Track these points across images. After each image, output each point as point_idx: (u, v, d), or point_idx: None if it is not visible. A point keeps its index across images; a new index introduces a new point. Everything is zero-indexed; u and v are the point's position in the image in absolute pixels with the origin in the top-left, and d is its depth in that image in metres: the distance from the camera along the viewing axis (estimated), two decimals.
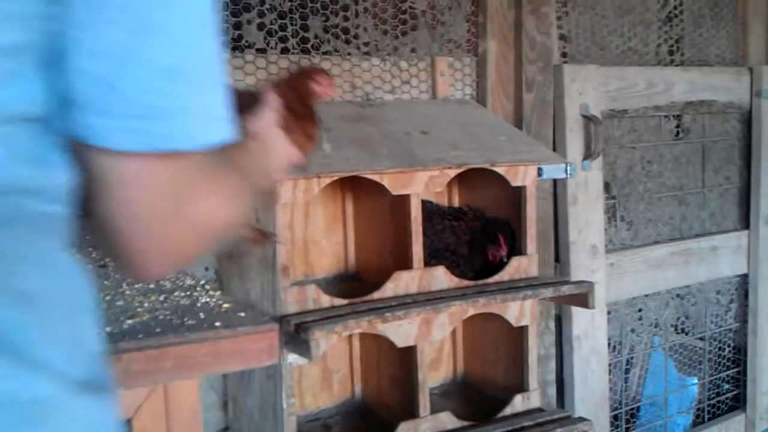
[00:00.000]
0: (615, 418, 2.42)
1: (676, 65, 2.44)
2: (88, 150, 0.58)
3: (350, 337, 1.83)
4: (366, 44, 1.87)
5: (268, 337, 0.84)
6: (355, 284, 1.77)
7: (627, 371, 2.53)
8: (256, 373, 1.58)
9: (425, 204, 1.81)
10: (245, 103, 0.97)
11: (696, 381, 2.69)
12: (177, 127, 0.58)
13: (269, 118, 0.96)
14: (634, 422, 2.57)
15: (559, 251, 2.13)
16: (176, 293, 0.97)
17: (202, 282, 1.05)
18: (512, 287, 1.67)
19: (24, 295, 0.57)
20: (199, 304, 0.92)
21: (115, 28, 0.55)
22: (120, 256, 0.64)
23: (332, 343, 1.75)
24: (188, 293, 0.98)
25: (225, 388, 1.72)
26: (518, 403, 1.75)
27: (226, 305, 0.93)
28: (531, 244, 1.75)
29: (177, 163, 0.59)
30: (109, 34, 0.55)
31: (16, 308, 0.56)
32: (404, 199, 1.60)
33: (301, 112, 1.05)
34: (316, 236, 1.80)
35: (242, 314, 0.89)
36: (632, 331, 2.45)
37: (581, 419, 1.73)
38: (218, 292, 0.99)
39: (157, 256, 0.64)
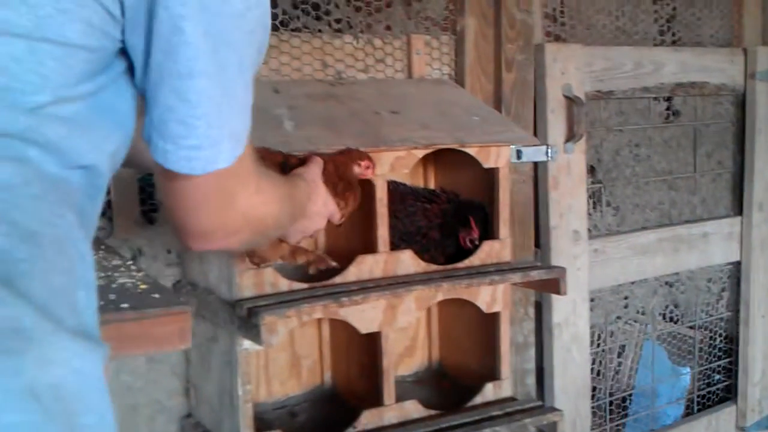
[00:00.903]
0: (600, 408, 2.36)
1: (668, 45, 2.37)
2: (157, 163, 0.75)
3: (320, 323, 1.79)
4: (338, 21, 1.81)
5: (179, 320, 0.79)
6: (324, 269, 1.72)
7: (618, 361, 2.48)
8: (214, 360, 1.54)
9: (398, 186, 1.76)
10: (295, 164, 1.21)
11: (688, 371, 2.64)
12: (222, 154, 0.76)
13: (316, 170, 1.18)
14: (625, 413, 2.52)
15: (539, 236, 2.07)
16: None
17: (129, 263, 1.00)
18: (480, 272, 1.61)
19: (26, 230, 0.63)
20: (114, 285, 0.88)
21: (205, 79, 0.71)
22: (175, 229, 0.84)
23: (295, 328, 1.71)
24: (108, 274, 0.93)
25: (187, 375, 1.68)
26: (489, 392, 1.70)
27: (143, 286, 0.88)
28: (504, 228, 1.69)
29: (219, 174, 0.77)
30: (199, 84, 0.71)
31: (15, 239, 0.62)
32: (369, 180, 1.54)
33: (339, 186, 1.26)
34: None
35: (156, 296, 0.84)
36: (618, 318, 2.39)
37: (552, 409, 1.68)
38: (141, 273, 0.94)
39: (202, 235, 0.84)
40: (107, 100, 0.73)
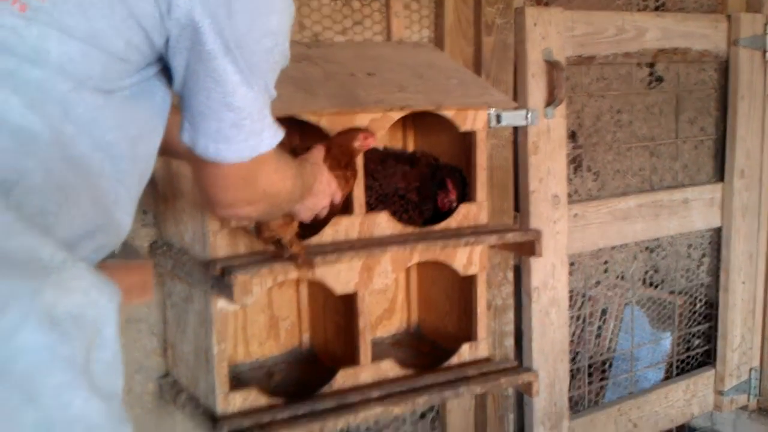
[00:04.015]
0: (579, 371, 2.39)
1: (651, 11, 2.36)
2: (202, 158, 0.93)
3: (298, 284, 1.80)
4: None
5: (140, 273, 0.80)
6: (301, 230, 1.73)
7: (599, 325, 2.50)
8: (190, 320, 1.55)
9: (377, 147, 1.76)
10: (302, 150, 1.37)
11: (668, 336, 2.66)
12: (264, 139, 0.94)
13: (319, 155, 1.35)
14: (605, 376, 2.55)
15: (519, 201, 2.07)
16: None
17: None
18: (456, 234, 1.62)
19: (56, 184, 0.76)
20: None
21: (246, 90, 0.89)
22: (203, 200, 1.03)
23: (273, 290, 1.72)
24: None
25: (165, 334, 1.69)
26: (465, 353, 1.72)
27: None
28: (481, 191, 1.70)
29: (255, 158, 0.94)
30: (243, 93, 0.88)
31: (50, 186, 0.74)
32: None
33: (343, 162, 1.40)
34: None
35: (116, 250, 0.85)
36: (597, 283, 2.41)
37: (527, 369, 1.71)
38: None
39: (229, 207, 1.02)
40: (135, 95, 0.87)
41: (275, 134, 0.96)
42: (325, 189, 1.35)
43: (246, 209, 1.04)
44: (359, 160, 1.53)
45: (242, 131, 0.90)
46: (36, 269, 0.66)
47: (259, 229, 1.38)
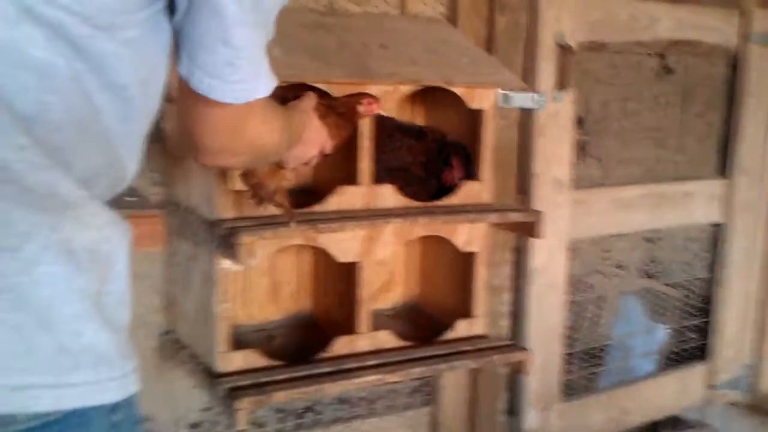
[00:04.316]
0: (573, 356, 2.42)
1: (665, 1, 2.36)
2: (197, 95, 0.87)
3: (301, 251, 1.82)
4: None
5: (151, 222, 0.83)
6: (308, 198, 1.75)
7: (595, 312, 2.53)
8: (194, 278, 1.57)
9: (386, 120, 1.78)
10: (292, 98, 1.30)
11: (663, 327, 2.69)
12: (261, 84, 0.89)
13: (309, 103, 1.30)
14: (599, 362, 2.58)
15: (522, 183, 2.09)
16: None
17: None
18: (458, 210, 1.64)
19: (72, 120, 0.75)
20: None
21: (246, 28, 0.84)
22: (190, 146, 0.95)
23: (277, 255, 1.74)
24: None
25: (168, 292, 1.72)
26: (461, 328, 1.75)
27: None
28: (485, 170, 1.72)
29: (249, 104, 0.89)
30: (241, 33, 0.83)
31: (66, 124, 0.74)
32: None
33: (339, 111, 1.37)
34: None
35: (131, 200, 0.88)
36: (597, 271, 2.43)
37: (521, 348, 1.73)
38: None
39: (215, 154, 0.97)
40: (147, 33, 0.83)
41: (270, 82, 0.92)
42: (315, 138, 1.31)
43: (230, 160, 1.03)
44: (366, 127, 1.54)
45: (237, 71, 0.86)
46: (55, 204, 0.69)
47: (245, 174, 1.37)
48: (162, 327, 1.73)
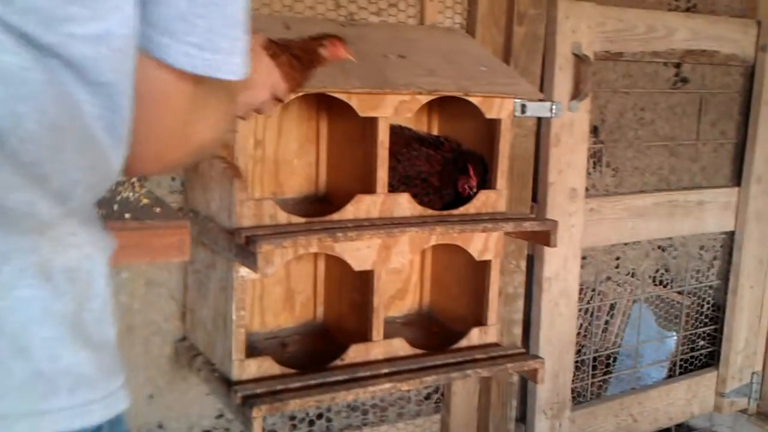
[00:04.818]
0: (584, 363, 2.42)
1: (682, 11, 2.36)
2: (148, 61, 0.71)
3: (316, 259, 1.83)
4: None
5: (178, 233, 0.83)
6: (323, 206, 1.76)
7: (606, 320, 2.53)
8: (211, 286, 1.59)
9: (404, 130, 1.79)
10: None
11: (674, 335, 2.69)
12: (230, 63, 0.73)
13: (256, 39, 1.08)
14: (609, 370, 2.58)
15: (537, 191, 2.10)
16: None
17: (134, 180, 1.04)
18: (474, 219, 1.65)
19: (51, 124, 0.66)
20: (118, 198, 0.91)
21: None
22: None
23: (292, 263, 1.75)
24: (112, 187, 0.97)
25: (184, 299, 1.73)
26: (475, 337, 1.75)
27: (145, 201, 0.92)
28: (501, 179, 1.73)
29: (205, 86, 0.74)
30: None
31: (44, 128, 0.65)
32: (372, 122, 1.57)
33: (293, 52, 1.15)
34: (288, 155, 1.78)
35: (157, 210, 0.88)
36: (608, 279, 2.43)
37: (534, 356, 1.74)
38: (144, 190, 0.98)
39: (151, 161, 0.79)
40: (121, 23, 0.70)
41: (242, 65, 0.75)
42: (264, 80, 1.12)
43: (163, 163, 0.83)
44: (383, 136, 1.55)
45: (193, 31, 0.71)
46: (33, 225, 0.66)
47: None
48: (177, 334, 1.74)
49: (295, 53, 1.17)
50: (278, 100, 1.16)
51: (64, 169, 0.68)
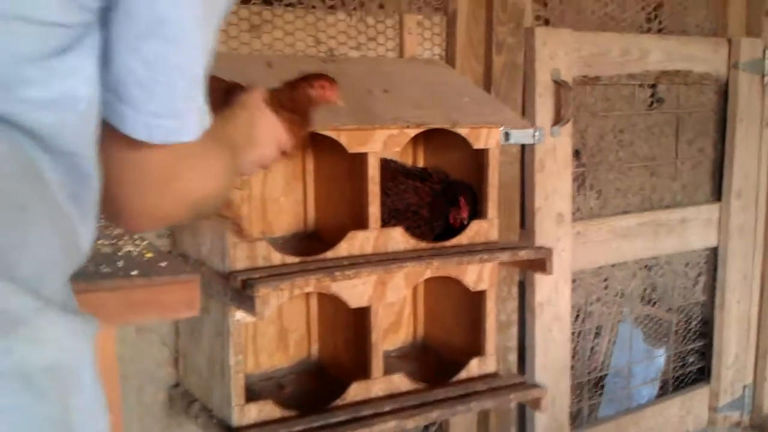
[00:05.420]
0: (579, 386, 2.42)
1: (654, 33, 2.40)
2: (111, 130, 0.69)
3: (308, 297, 1.81)
4: None
5: (188, 288, 0.81)
6: (313, 243, 1.74)
7: (596, 341, 2.53)
8: (205, 330, 1.56)
9: (390, 163, 1.78)
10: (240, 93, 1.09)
11: (663, 353, 2.70)
12: (187, 125, 0.71)
13: (258, 93, 1.08)
14: (600, 392, 2.58)
15: (524, 218, 2.10)
16: (100, 241, 0.93)
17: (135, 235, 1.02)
18: (469, 250, 1.64)
19: (15, 203, 0.62)
20: (120, 253, 0.89)
21: (156, 40, 0.66)
22: (112, 211, 0.76)
23: (284, 302, 1.72)
24: (113, 242, 0.94)
25: (176, 345, 1.69)
26: (474, 367, 1.74)
27: (149, 255, 0.90)
28: (492, 209, 1.73)
29: (176, 149, 0.72)
30: (152, 45, 0.66)
31: (5, 211, 0.61)
32: (362, 158, 1.56)
33: (287, 105, 1.13)
34: (275, 193, 1.77)
35: (163, 264, 0.86)
36: (598, 300, 2.44)
37: (535, 385, 1.72)
38: (145, 242, 0.96)
39: (144, 217, 0.77)
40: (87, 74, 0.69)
41: (201, 124, 0.73)
42: (269, 137, 1.09)
43: (162, 222, 0.82)
44: (374, 172, 1.54)
45: (152, 99, 0.68)
46: (6, 323, 0.60)
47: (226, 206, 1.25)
48: (171, 381, 1.70)
49: (288, 106, 1.14)
50: (284, 153, 1.14)
51: (33, 252, 0.63)
